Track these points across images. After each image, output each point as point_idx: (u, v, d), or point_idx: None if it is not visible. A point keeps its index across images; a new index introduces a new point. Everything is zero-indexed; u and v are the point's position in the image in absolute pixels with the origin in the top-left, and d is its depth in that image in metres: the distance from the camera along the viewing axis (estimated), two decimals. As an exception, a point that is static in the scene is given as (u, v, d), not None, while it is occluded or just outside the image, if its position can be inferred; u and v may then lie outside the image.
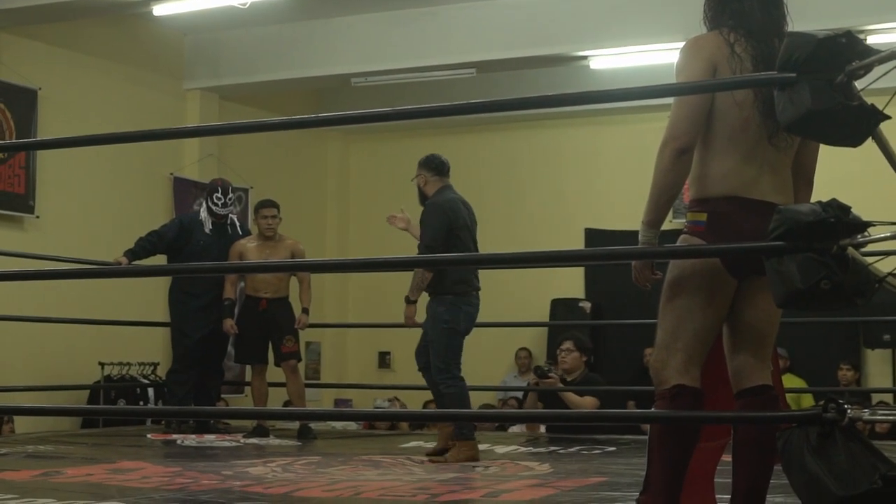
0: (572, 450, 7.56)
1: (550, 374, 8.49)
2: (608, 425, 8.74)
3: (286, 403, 9.67)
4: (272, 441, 8.30)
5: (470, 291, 7.14)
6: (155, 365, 10.77)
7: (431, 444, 7.64)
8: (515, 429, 9.67)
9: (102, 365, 10.42)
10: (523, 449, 7.64)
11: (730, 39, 3.72)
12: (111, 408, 9.85)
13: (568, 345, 8.73)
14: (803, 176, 3.85)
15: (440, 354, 7.05)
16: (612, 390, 8.56)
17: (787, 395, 9.89)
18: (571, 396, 8.34)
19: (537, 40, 10.78)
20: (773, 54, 3.58)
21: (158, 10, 9.77)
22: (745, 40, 3.71)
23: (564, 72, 11.71)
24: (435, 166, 7.30)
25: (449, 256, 6.81)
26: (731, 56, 3.69)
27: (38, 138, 10.10)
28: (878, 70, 3.26)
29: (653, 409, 3.78)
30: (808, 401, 10.42)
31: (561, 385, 8.52)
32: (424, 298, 7.15)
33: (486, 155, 13.50)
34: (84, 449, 7.56)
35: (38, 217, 10.35)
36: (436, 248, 6.98)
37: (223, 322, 8.66)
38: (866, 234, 3.28)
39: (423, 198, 7.30)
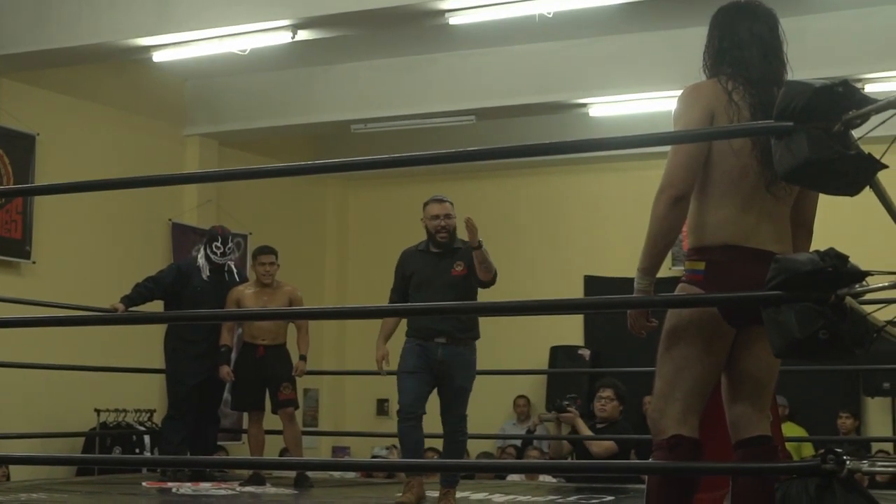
0: (571, 499, 7.50)
1: (569, 409, 8.41)
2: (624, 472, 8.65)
3: (283, 451, 9.61)
4: (268, 489, 8.24)
5: None
6: (151, 412, 10.72)
7: (429, 493, 7.57)
8: (514, 477, 9.60)
9: (98, 412, 10.37)
10: (522, 498, 7.58)
11: (728, 87, 3.71)
12: (105, 457, 9.78)
13: (609, 393, 8.59)
14: (803, 225, 3.84)
15: (466, 402, 6.95)
16: (613, 438, 8.46)
17: (788, 445, 9.87)
18: (584, 429, 8.34)
19: (537, 88, 10.81)
20: (771, 103, 3.56)
21: (158, 57, 9.78)
22: (743, 88, 3.71)
23: (564, 119, 11.74)
24: None
25: (450, 305, 6.69)
26: (729, 104, 3.69)
27: (36, 184, 10.11)
28: (875, 119, 3.24)
29: (651, 460, 3.74)
30: (808, 450, 10.37)
31: (580, 420, 8.44)
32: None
33: (486, 202, 13.49)
34: (78, 497, 7.49)
35: (34, 262, 10.34)
36: None
37: (219, 369, 8.61)
38: (864, 283, 3.26)
39: (454, 237, 7.01)
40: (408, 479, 7.07)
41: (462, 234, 6.91)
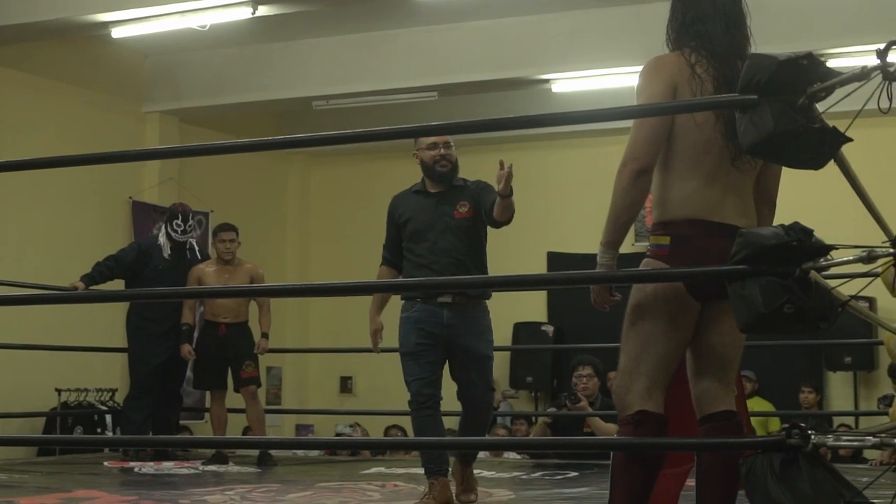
0: (535, 475, 7.51)
1: (582, 401, 8.21)
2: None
3: (246, 429, 9.57)
4: (231, 468, 8.20)
5: None
6: (113, 391, 10.64)
7: (393, 471, 7.56)
8: (480, 454, 9.59)
9: (59, 391, 10.28)
10: (486, 474, 7.57)
11: (691, 60, 3.69)
12: (66, 437, 9.72)
13: (588, 370, 8.44)
14: (765, 198, 3.83)
15: (490, 371, 5.95)
16: (576, 415, 8.44)
17: (755, 419, 9.89)
18: (598, 422, 8.10)
19: (499, 63, 10.77)
20: (735, 76, 3.55)
21: (117, 33, 9.67)
22: (706, 61, 3.69)
23: (526, 95, 11.70)
24: None
25: (408, 282, 5.87)
26: (692, 77, 3.67)
27: (-6, 161, 9.98)
28: (839, 92, 3.23)
29: (616, 436, 3.73)
30: (775, 425, 10.43)
31: (590, 408, 8.23)
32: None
33: (449, 178, 13.45)
34: (39, 478, 7.43)
35: (-7, 241, 10.24)
36: None
37: (181, 347, 8.57)
38: (829, 257, 3.25)
39: (454, 172, 6.03)
40: (429, 480, 5.75)
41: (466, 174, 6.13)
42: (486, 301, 5.95)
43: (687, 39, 3.75)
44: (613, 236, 3.69)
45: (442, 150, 5.90)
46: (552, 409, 8.34)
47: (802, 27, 9.61)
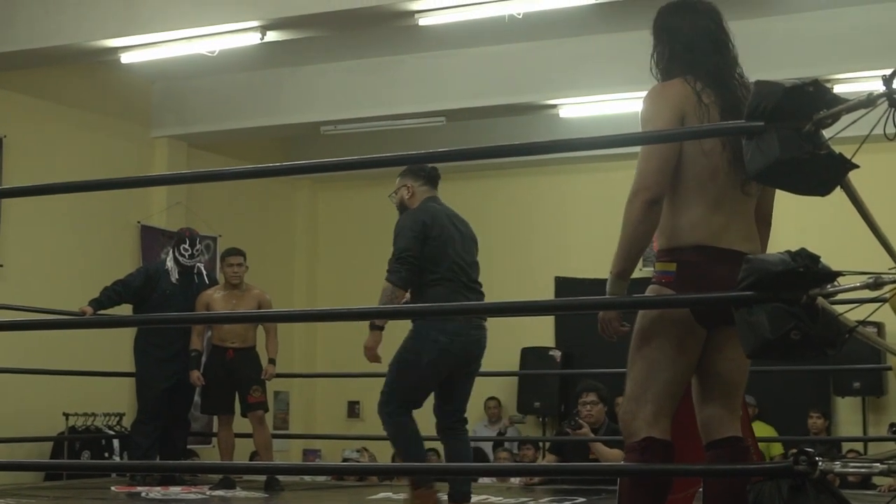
0: (543, 500, 7.48)
1: (583, 428, 8.23)
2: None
3: (253, 454, 9.56)
4: (238, 493, 8.18)
5: (452, 319, 6.25)
6: (120, 416, 10.64)
7: (400, 496, 7.54)
8: (486, 480, 9.57)
9: (67, 416, 10.29)
10: (494, 499, 7.55)
11: (696, 88, 3.69)
12: (74, 462, 9.71)
13: (592, 397, 8.40)
14: (762, 218, 3.84)
15: (387, 383, 6.17)
16: (580, 441, 8.42)
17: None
18: (601, 448, 8.09)
19: (506, 89, 10.80)
20: (736, 102, 3.58)
21: (126, 58, 9.71)
22: (710, 90, 3.69)
23: (533, 120, 11.72)
24: (425, 174, 6.57)
25: (416, 307, 6.27)
26: (699, 105, 3.66)
27: (3, 186, 10.01)
28: (845, 119, 3.23)
29: (622, 462, 3.72)
30: (777, 449, 10.40)
31: (591, 433, 8.24)
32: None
33: (455, 203, 13.35)
34: (47, 502, 7.43)
35: (2, 266, 10.25)
36: (407, 258, 6.16)
37: (190, 373, 8.57)
38: (836, 283, 3.25)
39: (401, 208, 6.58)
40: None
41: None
42: (417, 321, 6.31)
43: (678, 70, 3.74)
44: (625, 266, 3.65)
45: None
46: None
47: (805, 54, 9.62)
